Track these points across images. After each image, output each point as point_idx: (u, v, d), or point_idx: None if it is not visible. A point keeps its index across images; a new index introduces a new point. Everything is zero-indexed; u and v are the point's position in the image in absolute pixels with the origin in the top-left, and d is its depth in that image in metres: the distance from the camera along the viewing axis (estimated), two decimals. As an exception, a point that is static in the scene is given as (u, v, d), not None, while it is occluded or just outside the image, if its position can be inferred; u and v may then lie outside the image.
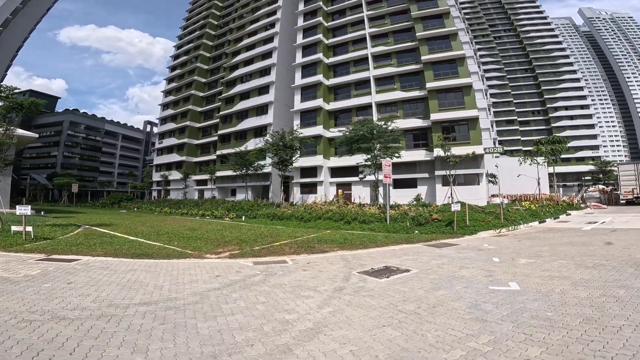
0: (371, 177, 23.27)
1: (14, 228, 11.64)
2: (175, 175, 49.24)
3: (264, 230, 16.38)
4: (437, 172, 28.07)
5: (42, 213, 24.11)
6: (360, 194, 29.03)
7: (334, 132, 34.24)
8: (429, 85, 30.21)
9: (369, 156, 21.41)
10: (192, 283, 6.59)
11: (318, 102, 36.02)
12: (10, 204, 24.72)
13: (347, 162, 31.39)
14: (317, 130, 34.70)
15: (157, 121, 63.77)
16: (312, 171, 34.26)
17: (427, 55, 31.37)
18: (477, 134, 27.85)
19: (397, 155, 21.73)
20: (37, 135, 26.95)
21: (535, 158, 29.22)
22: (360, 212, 18.53)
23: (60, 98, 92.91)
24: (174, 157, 52.23)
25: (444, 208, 18.10)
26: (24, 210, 11.16)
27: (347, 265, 8.47)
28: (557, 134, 52.49)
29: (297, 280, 6.88)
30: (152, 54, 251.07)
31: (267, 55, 44.02)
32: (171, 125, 54.98)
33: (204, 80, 54.82)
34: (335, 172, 34.28)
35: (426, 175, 29.42)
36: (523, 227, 16.91)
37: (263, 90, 42.54)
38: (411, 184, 29.64)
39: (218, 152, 44.25)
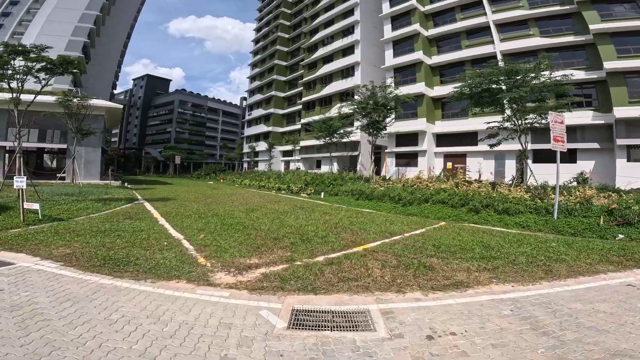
0: (504, 146, 15.67)
1: (26, 205, 8.96)
2: (262, 146, 48.10)
3: (343, 216, 11.19)
4: (619, 141, 18.34)
5: (126, 184, 23.73)
6: (481, 168, 21.14)
7: (441, 90, 26.60)
8: (594, 27, 19.99)
9: (508, 113, 13.94)
10: None
11: (417, 55, 28.56)
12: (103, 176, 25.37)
13: (460, 126, 23.71)
14: (418, 88, 27.43)
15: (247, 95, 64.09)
16: (411, 138, 27.46)
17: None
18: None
19: (564, 110, 13.71)
20: (120, 106, 26.85)
21: None
22: (496, 195, 11.72)
23: (171, 80, 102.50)
24: (261, 128, 51.13)
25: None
26: (19, 182, 8.29)
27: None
28: None
29: None
30: (245, 39, 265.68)
31: (349, 13, 38.01)
32: (258, 97, 54.09)
33: (285, 49, 52.38)
34: (443, 139, 26.78)
35: (595, 145, 19.79)
36: None
37: (347, 51, 37.29)
38: (566, 157, 20.38)
39: (302, 121, 40.64)
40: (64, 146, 23.77)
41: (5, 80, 10.44)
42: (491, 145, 15.38)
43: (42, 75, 11.30)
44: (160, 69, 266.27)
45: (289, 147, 43.95)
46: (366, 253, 6.39)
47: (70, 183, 19.58)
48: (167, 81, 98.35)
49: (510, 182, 14.68)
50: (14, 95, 10.51)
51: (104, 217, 9.81)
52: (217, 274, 5.05)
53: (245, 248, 6.58)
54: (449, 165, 23.66)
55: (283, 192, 21.97)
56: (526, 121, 13.74)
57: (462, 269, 5.47)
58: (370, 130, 21.36)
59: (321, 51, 40.82)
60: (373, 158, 22.61)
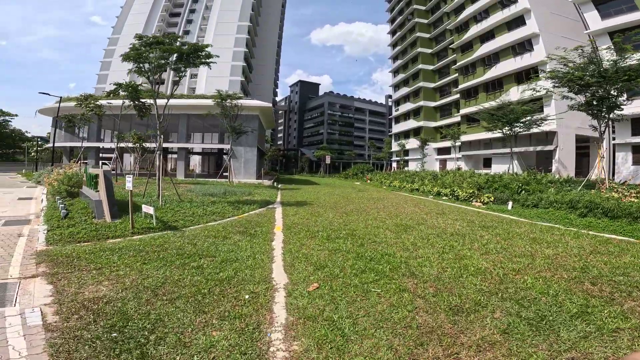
0: None
1: (144, 209, 8.00)
2: (412, 143, 42.99)
3: (582, 249, 5.79)
4: None
5: (275, 184, 23.78)
6: None
7: None
8: None
9: None
10: None
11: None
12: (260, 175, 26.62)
13: None
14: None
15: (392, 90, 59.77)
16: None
17: None
18: None
19: None
20: (270, 104, 27.58)
21: None
22: None
23: (320, 84, 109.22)
24: (411, 124, 45.97)
25: None
26: (129, 183, 7.11)
27: None
28: None
29: None
30: (380, 39, 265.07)
31: (503, -23, 29.50)
32: (404, 90, 49.22)
33: (427, 35, 46.72)
34: None
35: None
36: None
37: (514, 22, 29.26)
38: None
39: (462, 111, 33.46)
40: (228, 146, 26.02)
41: (146, 75, 10.04)
42: None
43: (181, 66, 10.70)
44: (311, 77, 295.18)
45: (446, 144, 37.43)
46: None
47: (227, 182, 20.57)
48: (317, 85, 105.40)
49: None
50: (153, 89, 10.02)
51: (219, 227, 7.89)
52: None
53: (388, 340, 2.72)
54: None
55: (444, 197, 16.96)
56: None
57: None
58: (593, 109, 13.67)
59: (475, 29, 33.58)
60: (603, 152, 14.39)
